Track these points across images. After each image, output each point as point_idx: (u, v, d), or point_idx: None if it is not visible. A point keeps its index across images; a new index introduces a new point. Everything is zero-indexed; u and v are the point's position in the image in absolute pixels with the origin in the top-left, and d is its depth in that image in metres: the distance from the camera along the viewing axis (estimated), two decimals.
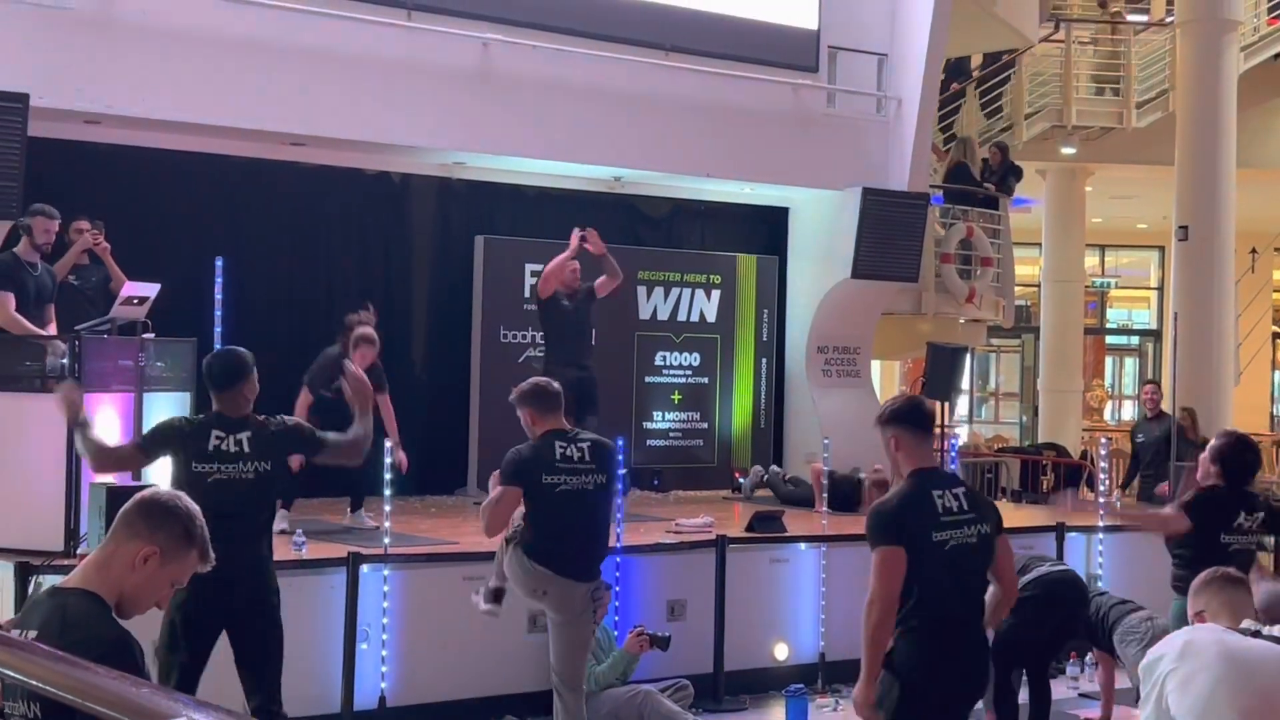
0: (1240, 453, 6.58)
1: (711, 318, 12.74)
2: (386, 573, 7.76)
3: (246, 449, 5.72)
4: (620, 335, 12.11)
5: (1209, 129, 15.94)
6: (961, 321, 14.77)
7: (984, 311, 14.66)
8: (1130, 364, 26.45)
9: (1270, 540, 7.50)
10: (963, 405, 24.01)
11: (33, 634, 3.05)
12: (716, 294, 12.76)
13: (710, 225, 13.19)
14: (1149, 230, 23.41)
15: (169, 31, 9.33)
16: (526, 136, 10.81)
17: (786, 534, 9.55)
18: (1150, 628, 7.53)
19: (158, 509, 3.29)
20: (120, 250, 9.15)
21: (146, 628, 3.40)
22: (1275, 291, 23.90)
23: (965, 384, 18.70)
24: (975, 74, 19.05)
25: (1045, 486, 16.32)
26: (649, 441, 12.40)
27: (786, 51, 12.00)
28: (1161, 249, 23.52)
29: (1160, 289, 24.44)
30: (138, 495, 3.35)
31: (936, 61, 12.60)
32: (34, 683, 2.52)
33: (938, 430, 12.78)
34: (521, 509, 6.37)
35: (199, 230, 10.30)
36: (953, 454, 11.04)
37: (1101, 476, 10.96)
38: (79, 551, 7.16)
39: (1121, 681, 8.19)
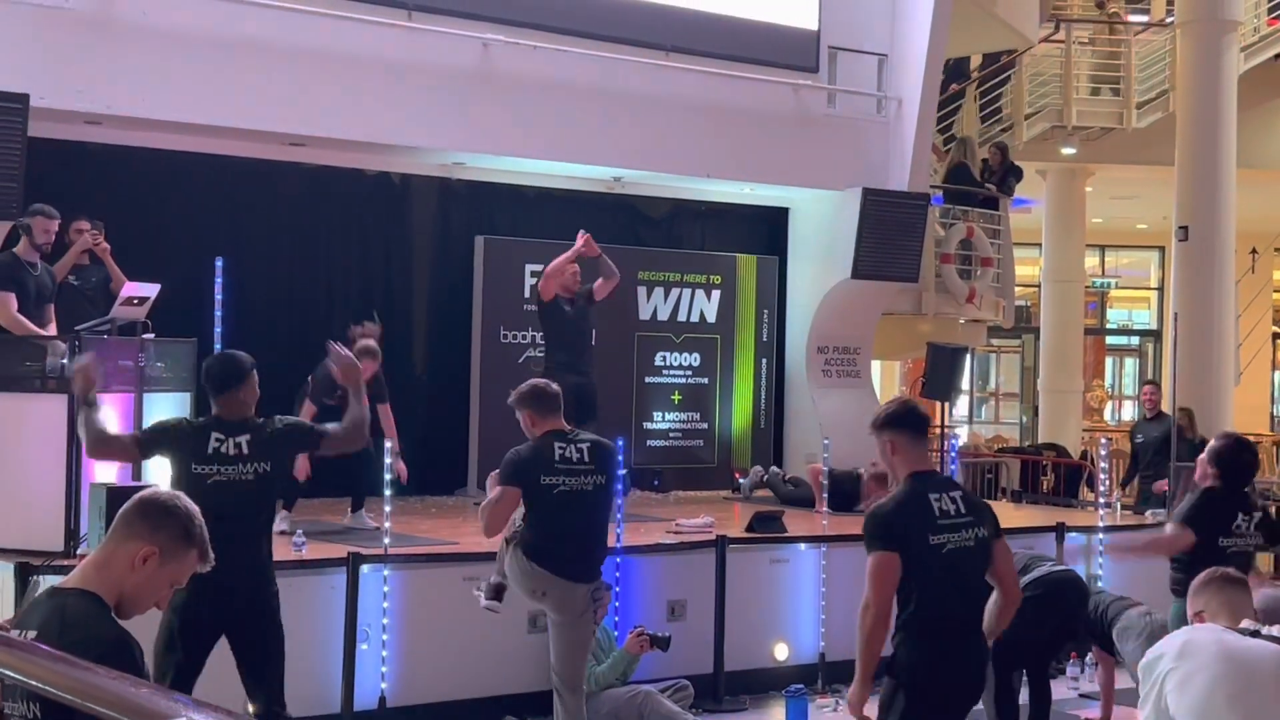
0: (1238, 454, 6.58)
1: (711, 318, 12.74)
2: (386, 573, 7.76)
3: (246, 451, 5.72)
4: (620, 336, 12.11)
5: (1209, 129, 15.94)
6: (961, 322, 14.77)
7: (984, 312, 14.66)
8: (1130, 364, 26.45)
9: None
10: (963, 405, 24.02)
11: (32, 634, 3.05)
12: (716, 294, 12.76)
13: (710, 225, 13.20)
14: (1149, 230, 23.42)
15: (169, 32, 9.33)
16: (527, 137, 10.81)
17: (786, 534, 9.55)
18: (1148, 623, 7.53)
19: (157, 509, 3.30)
20: (120, 250, 9.16)
21: (146, 628, 3.40)
22: (1275, 292, 23.90)
23: (965, 384, 18.70)
24: (975, 75, 19.04)
25: (1045, 487, 16.33)
26: (649, 442, 12.40)
27: (787, 52, 12.00)
28: (1162, 249, 23.52)
29: (1160, 289, 24.45)
30: (137, 495, 3.35)
31: (937, 62, 12.60)
32: (34, 683, 2.53)
33: (938, 431, 12.87)
34: (521, 509, 6.38)
35: (199, 230, 10.30)
36: (953, 454, 11.04)
37: (1102, 477, 10.96)
38: (79, 552, 7.15)
39: (1121, 682, 8.19)
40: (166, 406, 8.02)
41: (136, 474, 7.33)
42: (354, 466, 9.06)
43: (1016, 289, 16.94)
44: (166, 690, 2.35)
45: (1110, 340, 26.43)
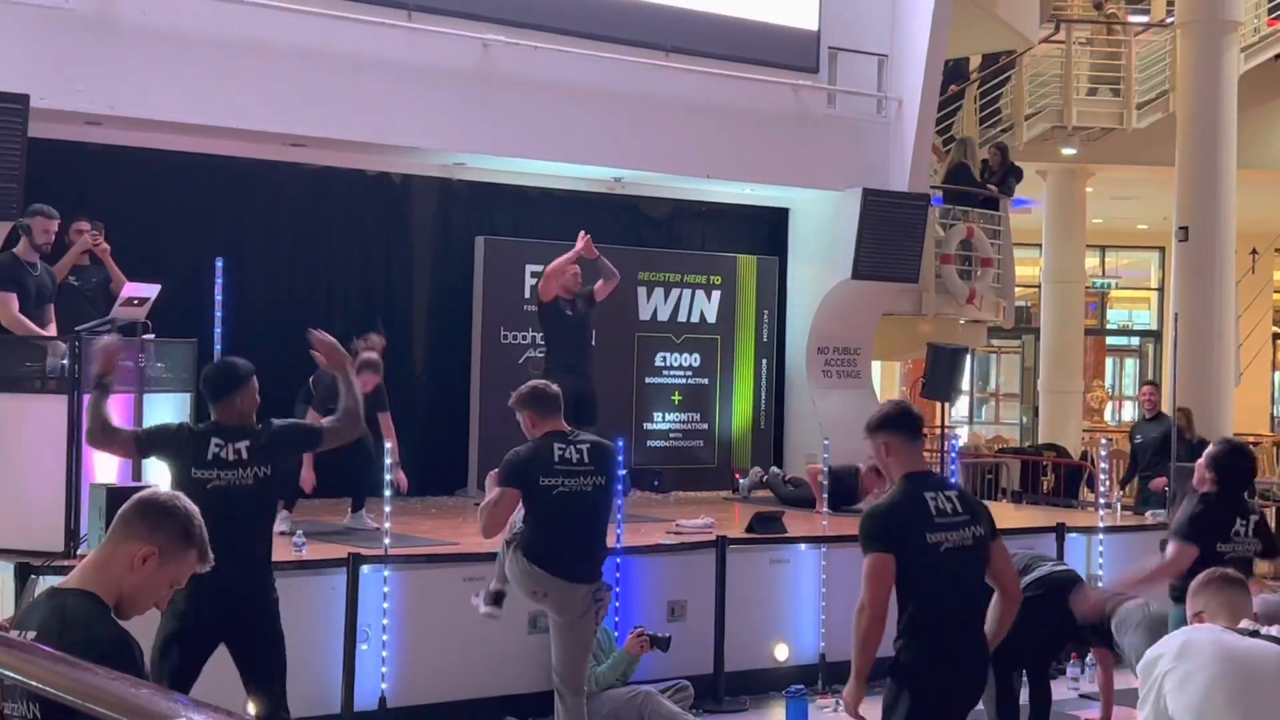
0: (1236, 460, 6.56)
1: (712, 318, 12.74)
2: (387, 573, 7.76)
3: (245, 456, 5.70)
4: (620, 336, 12.11)
5: (1209, 130, 15.93)
6: (962, 322, 14.77)
7: (984, 312, 14.66)
8: (1131, 365, 26.45)
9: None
10: (963, 406, 24.03)
11: (32, 635, 3.05)
12: (717, 295, 12.76)
13: (711, 226, 13.20)
14: (1149, 231, 23.41)
15: (169, 32, 9.33)
16: (527, 137, 10.81)
17: (787, 535, 9.55)
18: (1146, 614, 7.54)
19: (156, 509, 3.30)
20: (120, 251, 9.16)
21: (146, 628, 3.40)
22: (1276, 292, 23.90)
23: (965, 385, 18.69)
24: (974, 75, 19.05)
25: (1045, 487, 16.32)
26: (649, 442, 12.40)
27: (787, 52, 12.00)
28: (1162, 250, 23.52)
29: (1161, 290, 24.44)
30: (136, 496, 3.35)
31: (937, 62, 12.60)
32: (34, 683, 2.53)
33: (938, 431, 12.89)
34: (521, 511, 6.38)
35: (199, 231, 10.31)
36: (953, 455, 11.04)
37: (1102, 478, 10.96)
38: (79, 552, 7.15)
39: (1121, 682, 8.19)
40: (167, 407, 8.02)
41: (137, 474, 7.33)
42: (354, 467, 9.08)
43: (1017, 289, 16.95)
44: (166, 690, 2.35)
45: (1110, 341, 26.43)
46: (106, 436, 5.83)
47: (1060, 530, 10.32)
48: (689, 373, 12.65)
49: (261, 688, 5.75)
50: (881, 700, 5.15)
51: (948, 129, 17.51)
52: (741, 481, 12.23)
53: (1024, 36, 16.59)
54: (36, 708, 2.94)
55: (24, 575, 6.99)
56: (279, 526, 7.14)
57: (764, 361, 13.04)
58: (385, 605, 7.73)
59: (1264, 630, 4.31)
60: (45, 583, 6.54)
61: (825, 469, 10.24)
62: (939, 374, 13.05)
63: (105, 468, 7.57)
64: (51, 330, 8.41)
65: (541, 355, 10.71)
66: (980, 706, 5.91)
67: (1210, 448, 6.64)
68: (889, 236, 12.30)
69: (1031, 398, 23.10)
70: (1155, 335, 25.13)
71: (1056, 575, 7.67)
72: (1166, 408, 12.95)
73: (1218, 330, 15.81)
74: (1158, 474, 12.44)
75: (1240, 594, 4.55)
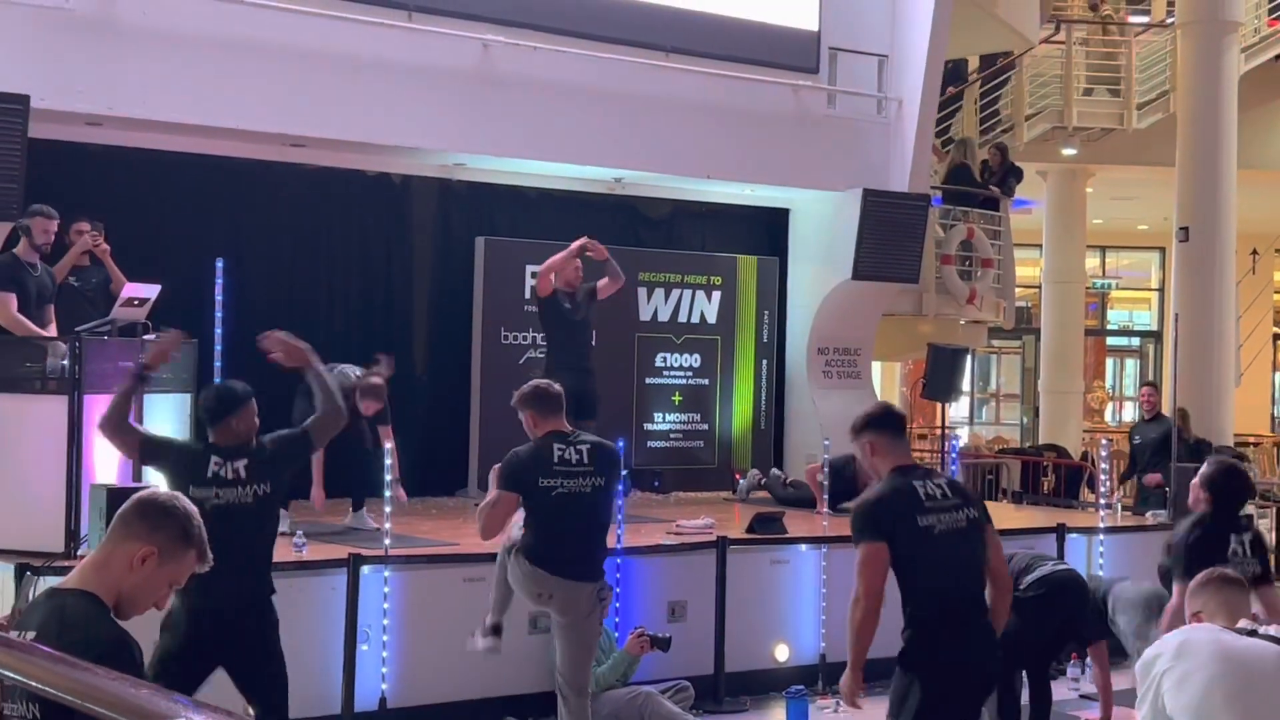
0: (1230, 480, 6.52)
1: (712, 319, 12.74)
2: (387, 574, 7.76)
3: (244, 475, 5.69)
4: (621, 336, 12.11)
5: (1210, 130, 15.93)
6: (962, 323, 14.77)
7: (985, 313, 14.66)
8: (1131, 365, 26.45)
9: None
10: (963, 407, 24.04)
11: (31, 635, 3.05)
12: (717, 295, 12.76)
13: (711, 226, 13.19)
14: (1150, 231, 23.42)
15: (170, 33, 9.33)
16: (527, 138, 10.81)
17: (787, 535, 9.55)
18: (1140, 591, 7.57)
19: (155, 509, 3.30)
20: (120, 251, 9.16)
21: (146, 629, 3.40)
22: (1276, 293, 23.90)
23: (966, 385, 18.69)
24: (974, 76, 19.05)
25: (1046, 488, 16.32)
26: (649, 443, 12.40)
27: (787, 53, 12.00)
28: (1162, 250, 23.52)
29: (1161, 290, 24.45)
30: (135, 496, 3.35)
31: (937, 63, 12.60)
32: (33, 683, 2.52)
33: (938, 432, 12.91)
34: (518, 520, 6.38)
35: (199, 232, 10.30)
36: (953, 456, 11.04)
37: (1102, 478, 10.96)
38: (79, 553, 7.15)
39: (1120, 683, 8.18)
40: (167, 407, 8.03)
41: (137, 475, 7.32)
42: (354, 467, 9.09)
43: (1017, 290, 16.95)
44: (166, 691, 2.34)
45: (1111, 341, 26.44)
46: (120, 429, 5.81)
47: (1061, 531, 10.31)
48: (689, 373, 12.65)
49: (264, 707, 5.71)
50: (888, 696, 5.16)
51: (946, 130, 17.52)
52: (740, 483, 12.23)
53: (1024, 37, 16.60)
54: (36, 708, 2.94)
55: (22, 576, 6.98)
56: (279, 526, 7.13)
57: (764, 362, 13.04)
58: (385, 606, 7.73)
59: (1262, 630, 4.32)
60: (44, 583, 6.53)
61: (825, 470, 10.23)
62: (939, 374, 13.05)
63: (105, 468, 7.57)
64: (52, 331, 8.41)
65: (542, 355, 10.71)
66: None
67: (1204, 468, 6.58)
68: (889, 237, 12.30)
69: (1032, 398, 23.11)
70: (1156, 336, 25.14)
71: (1057, 575, 7.68)
72: (1167, 408, 12.95)
73: (1218, 331, 15.81)
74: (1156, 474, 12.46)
75: (1239, 594, 4.55)
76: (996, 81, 18.62)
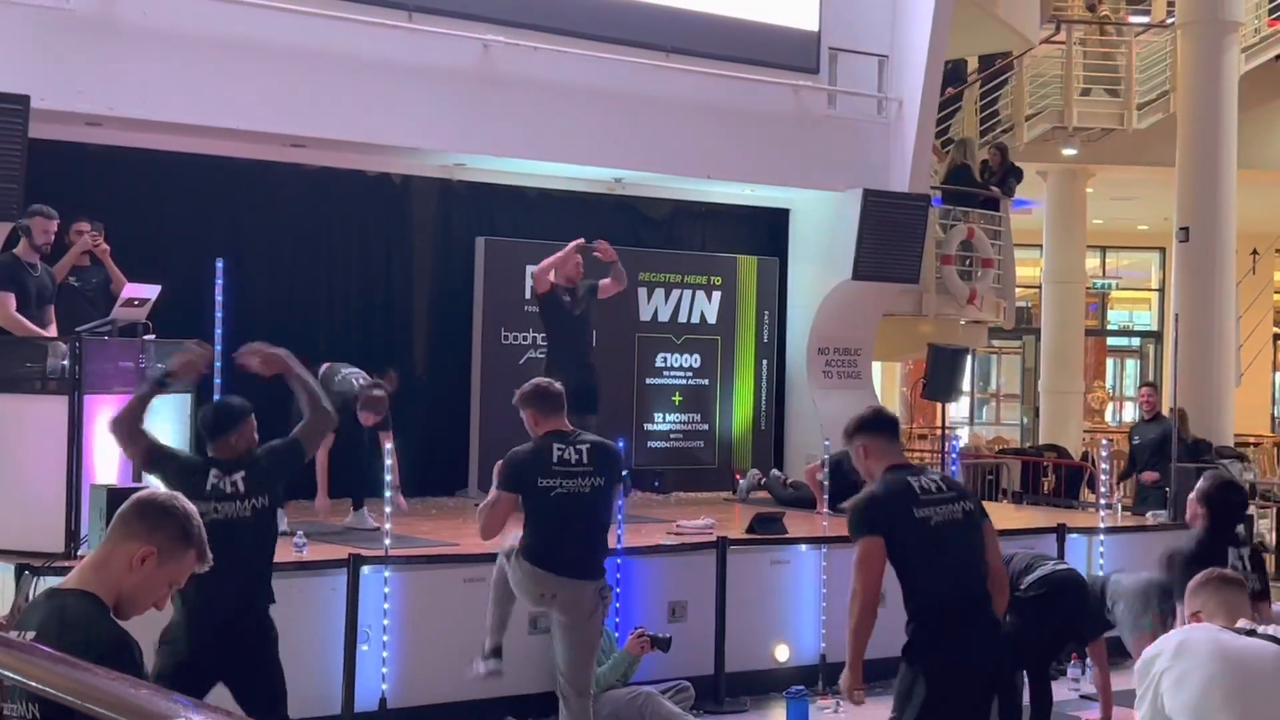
0: (1227, 495, 6.51)
1: (712, 319, 12.74)
2: (387, 574, 7.76)
3: (242, 488, 5.70)
4: (621, 337, 12.10)
5: (1210, 130, 15.93)
6: (962, 323, 14.77)
7: (985, 313, 14.66)
8: (1131, 365, 26.45)
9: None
10: (964, 407, 24.05)
11: (31, 635, 3.05)
12: (717, 295, 12.76)
13: (711, 226, 13.19)
14: (1150, 231, 23.41)
15: (170, 33, 9.33)
16: (527, 138, 10.81)
17: (787, 535, 9.55)
18: (1136, 580, 7.57)
19: (154, 509, 3.30)
20: (120, 252, 9.16)
21: (146, 629, 3.40)
22: (1276, 293, 23.90)
23: (966, 385, 18.70)
24: (973, 77, 19.05)
25: (1046, 488, 16.33)
26: (650, 443, 12.40)
27: (787, 53, 12.00)
28: (1162, 250, 23.52)
29: (1161, 290, 24.45)
30: (134, 496, 3.36)
31: (937, 63, 12.60)
32: (33, 684, 2.52)
33: (938, 432, 12.92)
34: (516, 529, 6.39)
35: (199, 232, 10.30)
36: (953, 456, 11.04)
37: (1103, 478, 10.96)
38: (80, 553, 7.14)
39: (1120, 683, 8.18)
40: (167, 408, 8.01)
41: (137, 475, 7.32)
42: (354, 468, 9.10)
43: (1017, 290, 16.95)
44: (166, 691, 2.34)
45: (1111, 341, 26.44)
46: (131, 433, 5.81)
47: (1061, 531, 10.31)
48: (689, 373, 12.65)
49: (265, 717, 5.70)
50: (892, 693, 5.17)
51: (946, 130, 17.52)
52: (740, 483, 12.23)
53: (1024, 37, 16.60)
54: (36, 708, 2.94)
55: (23, 575, 6.98)
56: (279, 526, 7.13)
57: (764, 362, 13.04)
58: (386, 606, 7.73)
59: (1261, 629, 4.32)
60: (45, 583, 6.53)
61: (825, 470, 10.22)
62: (940, 374, 13.06)
63: (105, 468, 7.57)
64: (52, 331, 8.41)
65: (542, 355, 10.71)
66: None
67: (1200, 483, 6.56)
68: (889, 237, 12.30)
69: (1032, 398, 23.11)
70: (1156, 336, 25.14)
71: (1058, 574, 7.68)
72: (1167, 409, 12.95)
73: (1218, 331, 15.81)
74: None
75: (1238, 594, 4.55)
76: (996, 82, 18.62)
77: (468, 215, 11.84)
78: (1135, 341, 26.64)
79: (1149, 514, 11.79)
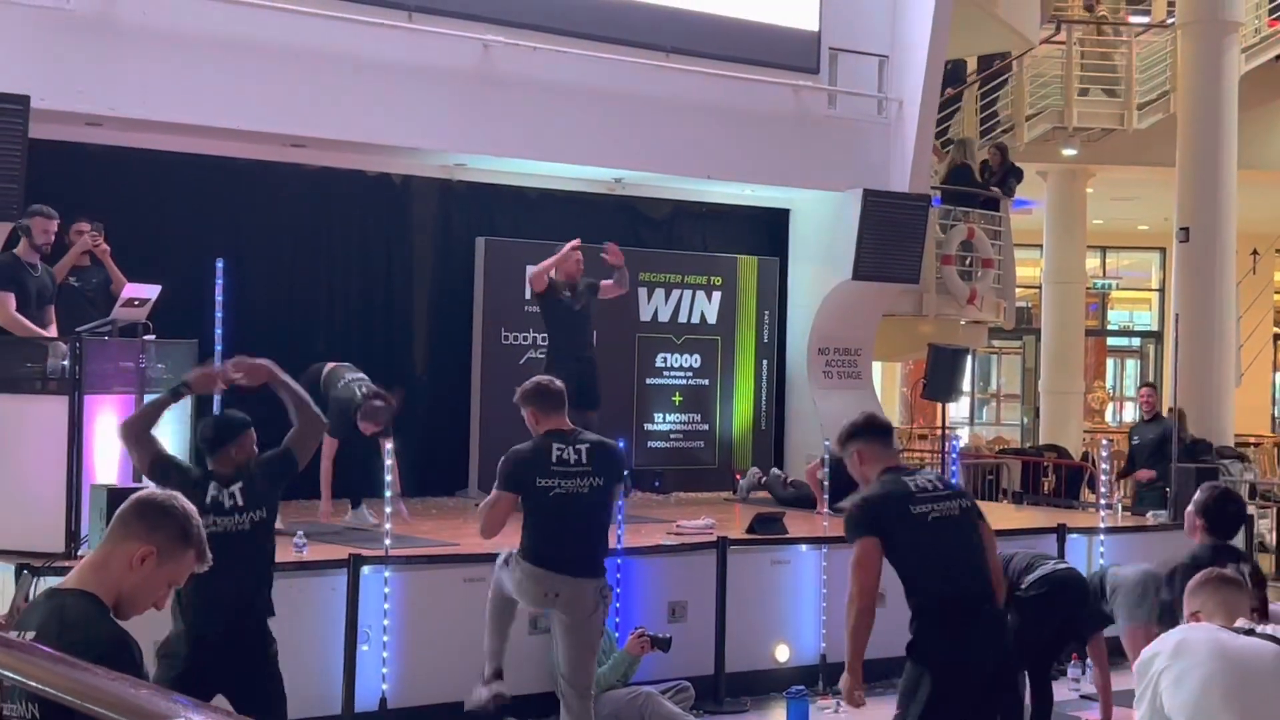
0: (1224, 506, 6.50)
1: (712, 319, 12.74)
2: (387, 574, 7.75)
3: (240, 501, 5.70)
4: (621, 337, 12.10)
5: (1210, 130, 15.93)
6: (962, 323, 14.77)
7: (985, 313, 14.66)
8: (1131, 365, 26.46)
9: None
10: (964, 407, 24.05)
11: (30, 635, 3.05)
12: (717, 295, 12.76)
13: (711, 227, 13.19)
14: (1150, 232, 23.42)
15: (170, 33, 9.33)
16: (527, 138, 10.81)
17: (787, 535, 9.55)
18: (1136, 570, 7.57)
19: (154, 509, 3.30)
20: (120, 252, 9.15)
21: (146, 629, 3.40)
22: (1276, 293, 23.90)
23: (966, 386, 18.69)
24: (972, 77, 19.05)
25: (1046, 488, 16.33)
26: (650, 443, 12.40)
27: (787, 53, 12.00)
28: (1163, 250, 23.52)
29: (1161, 290, 24.45)
30: (134, 496, 3.36)
31: (938, 63, 12.59)
32: (33, 684, 2.52)
33: (939, 432, 12.92)
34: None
35: (199, 232, 10.30)
36: (953, 456, 11.04)
37: (1103, 478, 10.96)
38: (80, 553, 7.14)
39: (1120, 683, 8.18)
40: (167, 413, 7.99)
41: (137, 475, 7.32)
42: (354, 468, 9.09)
43: (1017, 290, 16.95)
44: (166, 691, 2.34)
45: (1111, 342, 26.45)
46: (141, 439, 5.81)
47: (1061, 531, 10.30)
48: (689, 373, 12.65)
49: None
50: (893, 693, 5.18)
51: (946, 131, 17.52)
52: (740, 482, 12.23)
53: (1024, 37, 16.60)
54: (35, 708, 2.94)
55: (23, 575, 6.98)
56: (278, 525, 7.13)
57: (764, 362, 13.04)
58: (386, 606, 7.72)
59: (1260, 629, 4.32)
60: (45, 583, 6.52)
61: (825, 468, 10.22)
62: (940, 375, 13.05)
63: (105, 468, 7.57)
64: (52, 331, 8.41)
65: (542, 355, 10.72)
66: None
67: (1197, 494, 6.53)
68: (889, 237, 12.30)
69: (1032, 398, 23.11)
70: (1156, 336, 25.14)
71: (1058, 574, 7.68)
72: (1167, 409, 12.95)
73: (1218, 331, 15.81)
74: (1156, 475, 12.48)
75: (1237, 593, 4.55)
76: (996, 82, 18.62)
77: (468, 215, 11.84)
78: (1135, 342, 26.65)
79: (1149, 514, 11.79)
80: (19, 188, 8.60)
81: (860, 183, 12.26)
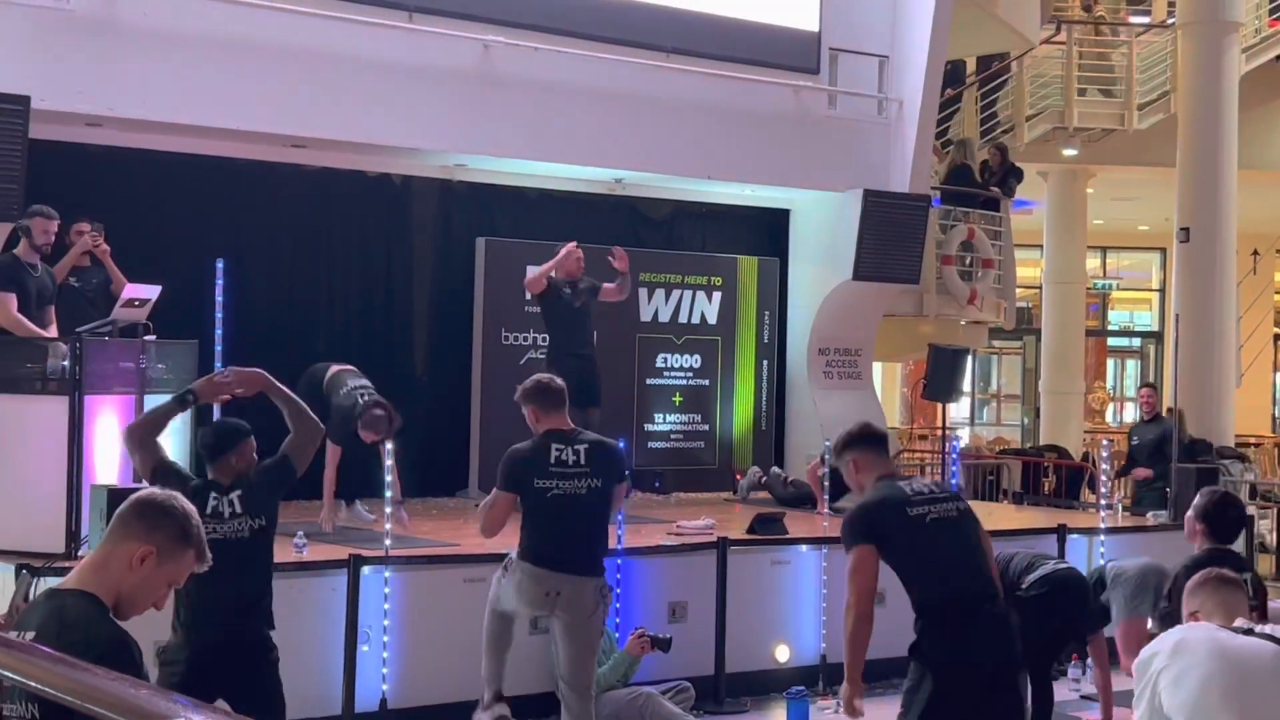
0: (1224, 510, 6.48)
1: (713, 319, 12.74)
2: (387, 574, 7.75)
3: (239, 509, 5.70)
4: (621, 337, 12.10)
5: (1210, 130, 15.93)
6: (963, 323, 14.77)
7: (985, 313, 14.66)
8: (1132, 366, 26.46)
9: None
10: (964, 407, 24.05)
11: (30, 635, 3.05)
12: (718, 296, 12.76)
13: (711, 227, 13.19)
14: (1150, 232, 23.42)
15: (170, 33, 9.33)
16: (528, 138, 10.81)
17: (788, 536, 9.55)
18: (1136, 563, 7.56)
19: (153, 509, 3.29)
20: (120, 252, 9.15)
21: (146, 629, 3.40)
22: (1277, 293, 23.90)
23: (966, 386, 18.69)
24: (972, 77, 19.05)
25: (1047, 489, 16.33)
26: (650, 443, 12.39)
27: (787, 53, 12.00)
28: (1163, 251, 23.53)
29: (1162, 291, 24.46)
30: (133, 496, 3.36)
31: (938, 63, 12.59)
32: (33, 684, 2.52)
33: (939, 433, 12.92)
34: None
35: (199, 232, 10.30)
36: (954, 456, 11.03)
37: (1103, 479, 10.96)
38: (80, 554, 7.14)
39: (1120, 684, 8.18)
40: None
41: (138, 476, 7.32)
42: (354, 468, 9.09)
43: (1018, 290, 16.95)
44: (165, 691, 2.34)
45: (1112, 342, 26.45)
46: (145, 444, 5.81)
47: (1061, 531, 10.30)
48: (690, 374, 12.64)
49: None
50: (889, 694, 5.18)
51: (946, 131, 17.52)
52: (740, 482, 12.23)
53: (1025, 37, 16.59)
54: (35, 708, 2.94)
55: (23, 575, 6.97)
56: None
57: (765, 363, 13.04)
58: (386, 606, 7.72)
59: (1259, 628, 4.32)
60: (45, 583, 6.52)
61: (825, 468, 10.22)
62: (940, 375, 13.04)
63: (106, 468, 7.57)
64: (52, 331, 8.41)
65: (542, 355, 10.73)
66: None
67: (1197, 499, 6.51)
68: (890, 237, 12.30)
69: (1033, 399, 23.11)
70: (1156, 336, 25.14)
71: (1059, 574, 7.68)
72: (1166, 409, 12.95)
73: (1219, 331, 15.81)
74: (1156, 475, 12.47)
75: (1236, 593, 4.55)
76: (996, 82, 18.62)
77: (468, 215, 11.84)
78: (1136, 342, 26.65)
79: (1149, 514, 11.78)
80: (19, 188, 8.60)
81: (860, 183, 12.26)
